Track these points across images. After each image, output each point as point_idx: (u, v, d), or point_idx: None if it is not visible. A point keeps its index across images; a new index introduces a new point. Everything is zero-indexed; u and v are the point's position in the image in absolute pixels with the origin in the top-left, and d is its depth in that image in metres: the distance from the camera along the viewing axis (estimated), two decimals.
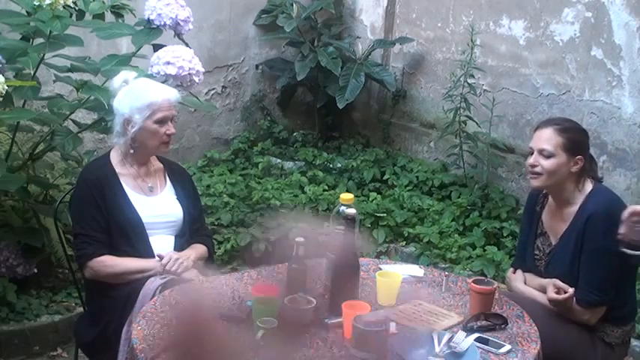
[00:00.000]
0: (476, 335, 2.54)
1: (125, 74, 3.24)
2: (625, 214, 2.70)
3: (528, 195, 3.34)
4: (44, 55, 3.59)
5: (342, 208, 2.79)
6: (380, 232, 5.02)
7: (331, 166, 5.90)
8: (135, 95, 3.15)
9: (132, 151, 3.21)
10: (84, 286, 3.36)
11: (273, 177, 5.82)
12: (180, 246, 3.26)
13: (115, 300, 3.09)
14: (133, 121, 3.13)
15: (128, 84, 3.19)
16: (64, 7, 3.50)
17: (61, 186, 4.29)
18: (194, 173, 5.66)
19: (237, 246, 4.93)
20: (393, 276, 2.88)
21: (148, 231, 3.19)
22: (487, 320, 2.70)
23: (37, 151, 4.03)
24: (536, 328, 2.71)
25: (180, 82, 3.46)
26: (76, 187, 3.29)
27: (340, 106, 5.82)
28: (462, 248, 4.79)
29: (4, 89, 3.07)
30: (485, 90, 5.45)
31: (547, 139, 3.05)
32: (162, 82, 3.35)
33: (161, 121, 3.16)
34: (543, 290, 3.06)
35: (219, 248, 4.86)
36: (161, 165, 3.35)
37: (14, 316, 4.02)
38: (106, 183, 3.18)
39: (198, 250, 3.28)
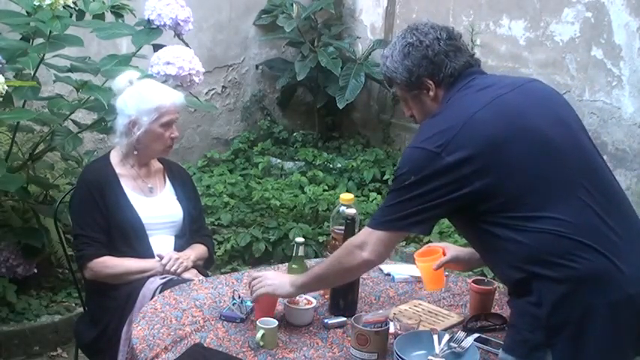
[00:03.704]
0: (476, 335, 2.54)
1: (130, 74, 3.23)
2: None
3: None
4: (44, 55, 3.59)
5: (342, 208, 2.79)
6: None
7: (331, 166, 5.90)
8: (143, 97, 3.15)
9: (135, 152, 3.21)
10: (84, 286, 3.36)
11: (273, 177, 5.83)
12: (180, 246, 3.26)
13: (115, 300, 3.09)
14: (139, 123, 3.13)
15: (133, 84, 3.19)
16: (64, 7, 3.50)
17: (61, 186, 4.29)
18: (194, 173, 5.67)
19: (237, 246, 4.93)
20: (433, 254, 2.73)
21: (147, 231, 3.19)
22: (487, 320, 2.70)
23: (37, 151, 4.03)
24: None
25: (180, 82, 3.45)
26: (76, 188, 3.29)
27: (340, 106, 5.82)
28: None
29: (4, 89, 3.07)
30: None
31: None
32: (162, 82, 3.35)
33: (166, 125, 3.17)
34: None
35: (219, 248, 4.86)
36: (161, 166, 3.35)
37: (14, 316, 4.03)
38: (106, 184, 3.17)
39: (197, 250, 3.28)
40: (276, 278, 2.60)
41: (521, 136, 2.24)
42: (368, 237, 2.34)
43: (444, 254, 2.71)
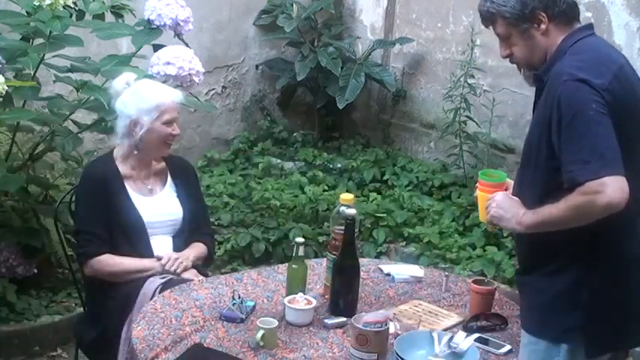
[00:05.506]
0: (476, 335, 2.54)
1: (127, 76, 3.24)
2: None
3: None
4: (44, 55, 3.59)
5: (342, 208, 2.79)
6: (380, 233, 5.01)
7: (331, 166, 5.90)
8: (142, 97, 3.15)
9: (136, 152, 3.20)
10: (84, 286, 3.36)
11: (273, 177, 5.82)
12: (179, 245, 3.26)
13: (115, 300, 3.09)
14: (141, 122, 3.13)
15: (130, 86, 3.20)
16: (63, 8, 3.50)
17: (61, 186, 4.28)
18: None
19: (237, 246, 4.93)
20: (495, 184, 2.48)
21: (148, 230, 3.20)
22: (487, 320, 2.70)
23: (37, 151, 4.03)
24: None
25: (180, 82, 3.46)
26: (80, 184, 3.29)
27: (340, 106, 5.82)
28: (462, 248, 4.79)
29: (4, 89, 3.07)
30: (485, 90, 5.44)
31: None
32: (162, 83, 3.36)
33: (168, 122, 3.17)
34: None
35: (219, 248, 4.85)
36: (162, 165, 3.34)
37: (14, 316, 4.02)
38: (110, 180, 3.18)
39: (197, 249, 3.28)
40: (505, 206, 2.32)
41: (635, 109, 2.25)
42: (600, 186, 2.08)
43: (507, 189, 2.48)
